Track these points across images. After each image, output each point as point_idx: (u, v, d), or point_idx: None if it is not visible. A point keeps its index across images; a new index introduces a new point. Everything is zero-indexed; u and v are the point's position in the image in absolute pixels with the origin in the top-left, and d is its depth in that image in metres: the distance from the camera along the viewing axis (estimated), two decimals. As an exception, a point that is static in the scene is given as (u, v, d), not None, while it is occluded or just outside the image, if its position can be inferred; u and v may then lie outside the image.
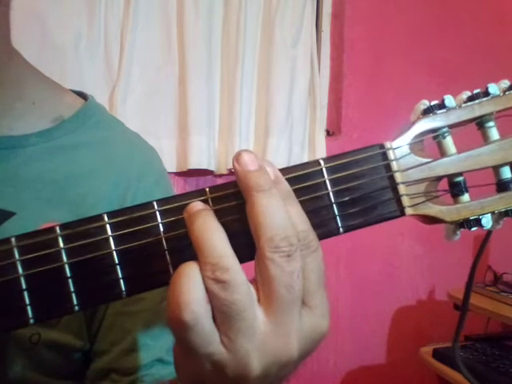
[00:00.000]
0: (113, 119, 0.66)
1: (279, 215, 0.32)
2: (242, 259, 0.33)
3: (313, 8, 1.80)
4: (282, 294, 0.31)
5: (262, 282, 0.32)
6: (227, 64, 1.68)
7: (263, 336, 0.31)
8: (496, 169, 0.37)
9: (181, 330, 0.31)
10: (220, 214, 0.34)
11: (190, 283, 0.31)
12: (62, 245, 0.34)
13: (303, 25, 1.76)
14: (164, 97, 1.63)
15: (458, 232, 0.38)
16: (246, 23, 1.66)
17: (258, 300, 0.32)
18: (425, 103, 0.37)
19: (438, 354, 1.65)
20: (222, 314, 0.31)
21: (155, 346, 0.57)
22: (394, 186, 0.36)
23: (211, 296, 0.31)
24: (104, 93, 1.55)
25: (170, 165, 1.62)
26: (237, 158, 0.33)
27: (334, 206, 0.36)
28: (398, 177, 0.36)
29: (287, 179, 0.35)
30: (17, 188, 0.54)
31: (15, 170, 0.55)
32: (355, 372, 1.90)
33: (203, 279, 0.31)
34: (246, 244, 0.33)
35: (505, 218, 0.38)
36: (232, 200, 0.34)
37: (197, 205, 0.33)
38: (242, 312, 0.31)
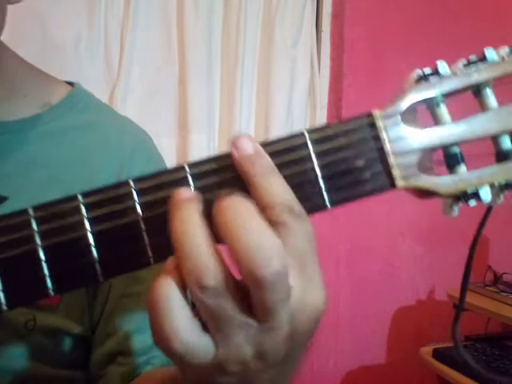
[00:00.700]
0: (102, 104, 0.66)
1: (279, 190, 0.30)
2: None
3: (313, 8, 1.80)
4: (272, 307, 0.30)
5: None
6: (227, 64, 1.68)
7: (254, 328, 0.30)
8: (495, 138, 0.34)
9: (175, 358, 0.30)
10: (202, 191, 0.32)
11: (172, 310, 0.29)
12: (35, 227, 0.32)
13: (303, 25, 1.76)
14: (164, 97, 1.63)
15: (456, 207, 0.35)
16: (246, 23, 1.66)
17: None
18: (418, 72, 0.35)
19: (437, 354, 1.65)
20: (211, 318, 0.29)
21: None
22: (383, 157, 0.33)
23: (197, 302, 0.29)
24: (104, 93, 1.55)
25: (170, 164, 1.62)
26: (234, 141, 0.32)
27: (320, 179, 0.33)
28: (388, 147, 0.33)
29: (270, 153, 0.33)
30: (9, 173, 0.54)
31: (6, 156, 0.55)
32: (355, 372, 1.90)
33: (186, 284, 0.29)
34: None
35: (506, 192, 0.34)
36: (213, 176, 0.33)
37: (183, 193, 0.31)
38: (231, 315, 0.29)
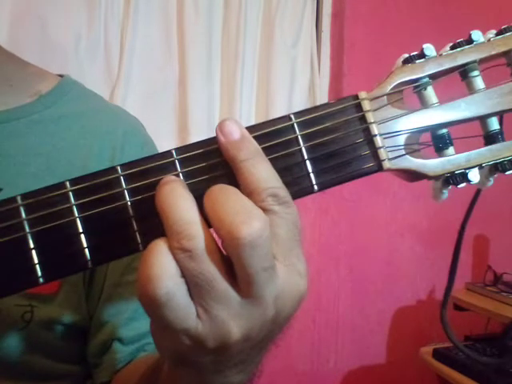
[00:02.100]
0: (93, 93, 0.66)
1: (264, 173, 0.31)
2: None
3: (313, 8, 1.80)
4: (259, 281, 0.30)
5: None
6: (227, 64, 1.68)
7: (238, 302, 0.30)
8: (483, 120, 0.34)
9: (154, 307, 0.29)
10: (189, 176, 0.32)
11: (160, 257, 0.29)
12: (23, 215, 0.32)
13: (303, 25, 1.76)
14: (164, 97, 1.63)
15: (445, 190, 0.35)
16: (246, 23, 1.66)
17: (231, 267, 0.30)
18: (404, 55, 0.35)
19: (437, 354, 1.65)
20: (194, 285, 0.29)
21: None
22: (369, 138, 0.33)
23: (181, 267, 0.29)
24: (104, 93, 1.55)
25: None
26: (220, 126, 0.32)
27: (307, 162, 0.33)
28: (375, 129, 0.33)
29: (256, 136, 0.33)
30: (2, 164, 0.54)
31: None
32: (355, 372, 1.90)
33: (171, 250, 0.29)
34: None
35: (495, 175, 0.34)
36: (200, 161, 0.33)
37: (168, 177, 0.32)
38: (212, 281, 0.29)
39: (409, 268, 1.93)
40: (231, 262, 0.30)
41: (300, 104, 1.75)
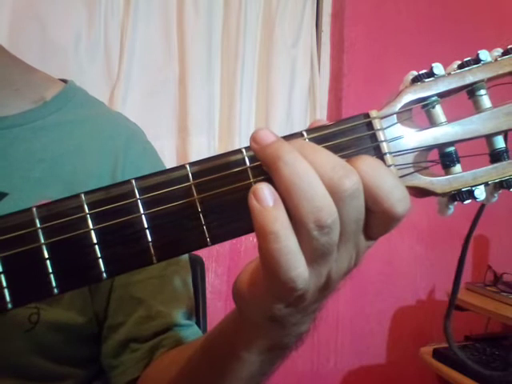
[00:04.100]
0: (95, 100, 0.67)
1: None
2: (236, 233, 0.32)
3: (313, 8, 1.80)
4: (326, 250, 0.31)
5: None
6: (227, 64, 1.68)
7: (335, 258, 0.32)
8: (489, 138, 0.35)
9: (269, 242, 0.30)
10: (204, 189, 0.33)
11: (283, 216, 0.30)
12: (38, 225, 0.32)
13: (303, 25, 1.76)
14: (164, 97, 1.63)
15: (451, 206, 0.36)
16: (246, 23, 1.66)
17: None
18: (413, 73, 0.36)
19: (437, 354, 1.65)
20: (316, 257, 0.31)
21: (168, 313, 0.57)
22: (380, 156, 0.34)
23: (310, 241, 0.30)
24: (104, 93, 1.55)
25: (170, 165, 1.61)
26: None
27: None
28: (385, 147, 0.34)
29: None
30: (7, 169, 0.55)
31: (4, 152, 0.56)
32: (355, 372, 1.90)
33: (300, 226, 0.30)
34: (237, 218, 0.33)
35: (500, 191, 0.35)
36: (214, 173, 0.33)
37: (268, 136, 0.32)
38: (334, 250, 0.31)
39: (409, 268, 1.93)
40: None
41: (300, 104, 1.75)
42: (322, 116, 1.84)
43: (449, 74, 0.35)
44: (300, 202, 0.30)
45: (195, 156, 1.60)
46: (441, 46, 1.88)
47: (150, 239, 0.33)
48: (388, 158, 0.34)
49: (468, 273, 1.92)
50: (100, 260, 0.32)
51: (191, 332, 0.58)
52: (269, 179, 0.32)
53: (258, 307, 0.34)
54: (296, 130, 0.35)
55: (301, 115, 1.75)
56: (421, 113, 0.35)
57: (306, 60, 1.77)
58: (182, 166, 0.33)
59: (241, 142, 1.64)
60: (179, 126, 1.64)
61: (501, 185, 0.35)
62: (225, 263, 1.72)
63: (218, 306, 1.71)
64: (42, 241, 0.32)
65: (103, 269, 0.33)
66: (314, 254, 0.31)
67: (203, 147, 1.61)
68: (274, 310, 0.33)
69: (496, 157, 0.35)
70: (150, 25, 1.61)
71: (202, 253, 0.81)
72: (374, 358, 1.93)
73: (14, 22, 1.40)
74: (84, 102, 0.64)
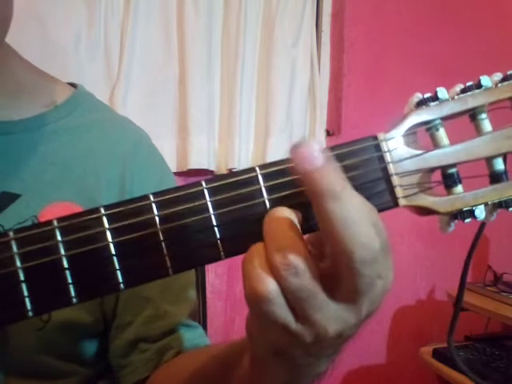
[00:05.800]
0: (103, 104, 0.69)
1: (357, 225, 0.31)
2: (241, 250, 0.34)
3: (313, 8, 1.80)
4: (364, 289, 0.31)
5: (341, 280, 0.32)
6: (227, 64, 1.68)
7: (335, 308, 0.32)
8: (489, 160, 0.37)
9: (259, 303, 0.31)
10: (219, 205, 0.34)
11: (260, 254, 0.31)
12: (59, 237, 0.34)
13: (303, 25, 1.76)
14: (164, 97, 1.63)
15: (452, 224, 0.38)
16: (246, 23, 1.66)
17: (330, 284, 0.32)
18: (418, 96, 0.37)
19: (437, 354, 1.66)
20: (294, 298, 0.31)
21: (175, 312, 0.59)
22: (387, 177, 0.36)
23: (280, 281, 0.31)
24: (104, 93, 1.55)
25: (171, 165, 1.61)
26: (294, 151, 0.30)
27: None
28: (392, 168, 0.36)
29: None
30: (20, 171, 0.56)
31: (17, 155, 0.57)
32: (355, 372, 1.90)
33: (271, 267, 0.31)
34: (250, 233, 0.34)
35: (498, 210, 0.37)
36: (230, 191, 0.34)
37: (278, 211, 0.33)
38: (311, 295, 0.31)
39: (409, 268, 1.93)
40: (328, 272, 0.32)
41: (300, 104, 1.75)
42: (321, 116, 1.84)
43: (452, 98, 0.37)
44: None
45: (195, 156, 1.60)
46: (441, 46, 1.88)
47: (165, 252, 0.34)
48: (395, 178, 0.36)
49: (468, 273, 1.92)
50: (118, 272, 0.34)
51: (198, 334, 0.60)
52: (283, 197, 0.34)
53: (260, 339, 0.35)
54: (296, 130, 0.36)
55: (301, 115, 1.75)
56: (425, 135, 0.37)
57: (306, 60, 1.77)
58: (198, 183, 0.35)
59: (240, 142, 1.64)
60: (179, 126, 1.64)
61: (500, 205, 0.37)
62: (225, 263, 1.72)
63: (218, 306, 1.72)
64: (63, 252, 0.34)
65: (121, 280, 0.34)
66: (292, 298, 0.31)
67: (203, 147, 1.61)
68: (273, 344, 0.34)
69: (496, 178, 0.37)
70: (150, 25, 1.61)
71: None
72: (373, 357, 1.93)
73: (14, 22, 1.40)
74: (92, 107, 0.65)
